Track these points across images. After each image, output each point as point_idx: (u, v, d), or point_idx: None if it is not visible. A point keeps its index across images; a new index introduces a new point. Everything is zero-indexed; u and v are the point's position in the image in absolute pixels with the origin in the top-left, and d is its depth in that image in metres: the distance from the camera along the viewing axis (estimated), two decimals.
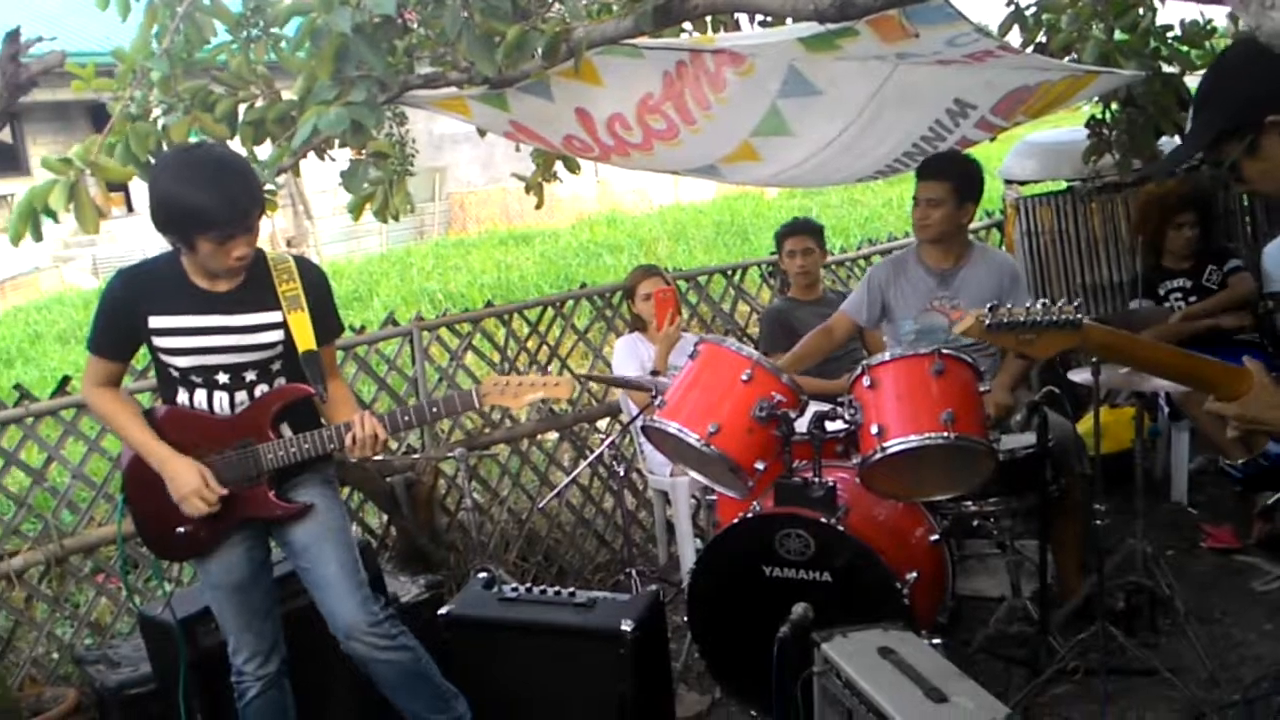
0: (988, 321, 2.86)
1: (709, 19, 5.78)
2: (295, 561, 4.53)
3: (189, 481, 4.23)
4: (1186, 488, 7.18)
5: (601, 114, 5.58)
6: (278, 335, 4.33)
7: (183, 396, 4.36)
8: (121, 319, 4.29)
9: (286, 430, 4.38)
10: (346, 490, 6.59)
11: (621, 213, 25.18)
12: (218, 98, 4.94)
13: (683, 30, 5.68)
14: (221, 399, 4.34)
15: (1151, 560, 5.63)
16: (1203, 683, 5.15)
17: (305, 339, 4.32)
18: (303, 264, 4.48)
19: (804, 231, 7.35)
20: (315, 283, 4.45)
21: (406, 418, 4.41)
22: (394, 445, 6.86)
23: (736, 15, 5.84)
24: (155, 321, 4.24)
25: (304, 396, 4.38)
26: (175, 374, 4.33)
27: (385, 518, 6.90)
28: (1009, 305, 2.87)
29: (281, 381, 4.41)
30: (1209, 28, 6.22)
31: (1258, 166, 2.86)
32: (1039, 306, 2.84)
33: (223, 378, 4.32)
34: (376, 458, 4.53)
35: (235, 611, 4.50)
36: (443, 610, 5.02)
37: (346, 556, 4.48)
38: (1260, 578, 6.20)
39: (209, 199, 3.96)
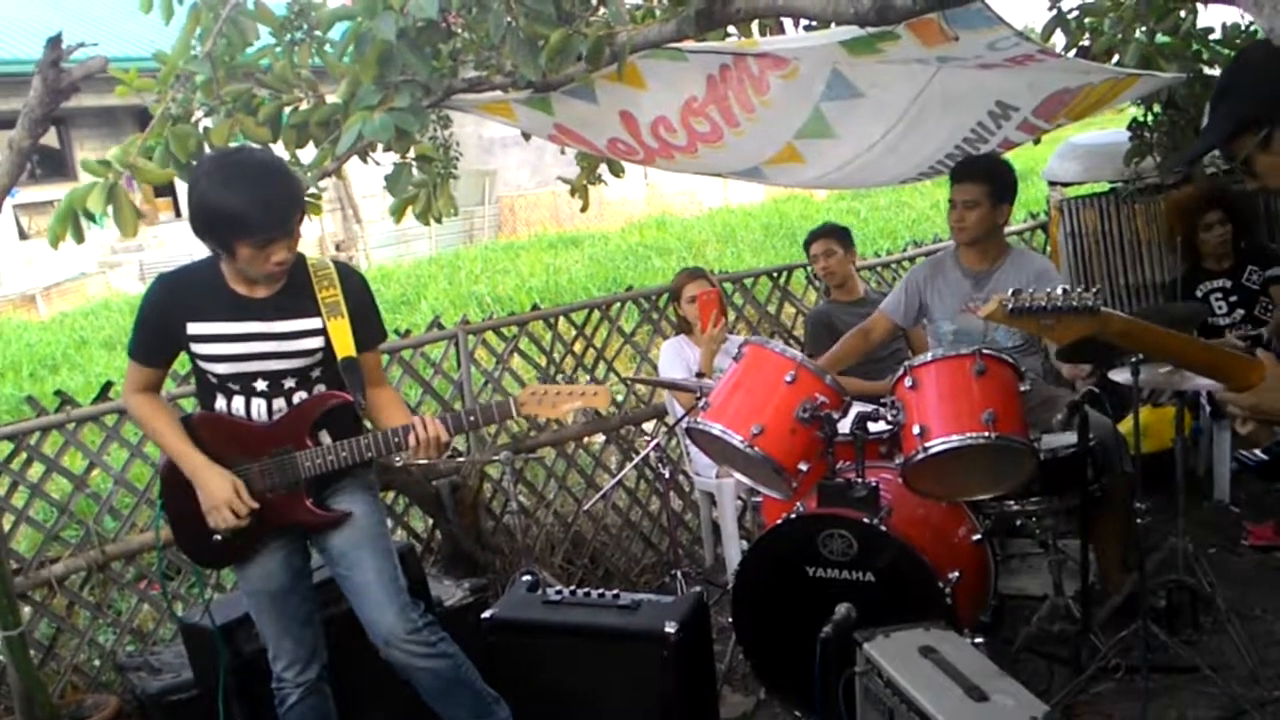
0: (1010, 306, 2.91)
1: (755, 23, 5.80)
2: (333, 569, 4.52)
3: (220, 491, 4.22)
4: (1228, 486, 7.16)
5: (645, 117, 5.61)
6: (317, 342, 4.31)
7: (221, 403, 4.36)
8: (160, 325, 4.30)
9: (325, 438, 4.37)
10: (391, 494, 6.62)
11: (671, 215, 25.27)
12: (261, 101, 4.97)
13: (726, 34, 5.69)
14: (260, 406, 4.33)
15: (1193, 558, 5.64)
16: (1244, 680, 5.15)
17: (345, 346, 4.30)
18: (343, 270, 4.46)
19: (824, 235, 7.38)
20: (356, 289, 4.42)
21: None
22: None
23: (780, 18, 5.87)
24: (193, 328, 4.23)
25: (343, 404, 4.37)
26: (214, 380, 4.33)
27: (430, 521, 6.92)
28: (1031, 290, 2.91)
29: (321, 389, 4.38)
30: (1250, 30, 6.20)
31: (1269, 160, 2.88)
32: (1059, 292, 2.88)
33: (261, 385, 4.31)
34: (422, 461, 4.53)
35: (274, 618, 4.50)
36: (486, 613, 5.03)
37: (385, 564, 4.47)
38: None
39: (248, 204, 3.95)
